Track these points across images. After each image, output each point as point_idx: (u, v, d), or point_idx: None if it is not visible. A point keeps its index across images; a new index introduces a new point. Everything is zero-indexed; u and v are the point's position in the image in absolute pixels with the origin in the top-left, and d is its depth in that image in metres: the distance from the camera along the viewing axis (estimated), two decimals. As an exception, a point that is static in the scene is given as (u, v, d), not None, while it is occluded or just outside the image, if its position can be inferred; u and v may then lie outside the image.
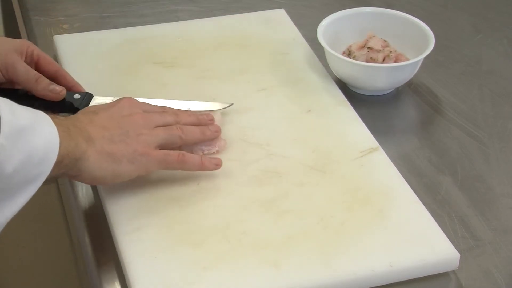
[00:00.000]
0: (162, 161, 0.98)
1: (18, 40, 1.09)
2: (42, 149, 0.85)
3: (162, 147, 0.99)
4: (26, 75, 1.06)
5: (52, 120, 0.89)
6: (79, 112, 1.01)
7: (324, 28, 1.20)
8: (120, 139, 0.96)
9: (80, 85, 1.11)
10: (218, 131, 1.05)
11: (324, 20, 1.21)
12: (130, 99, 1.03)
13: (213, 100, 1.13)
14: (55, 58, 1.24)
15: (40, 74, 1.08)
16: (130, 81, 1.16)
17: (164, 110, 1.05)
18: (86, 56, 1.23)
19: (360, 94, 1.20)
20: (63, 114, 1.08)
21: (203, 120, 1.06)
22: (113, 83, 1.14)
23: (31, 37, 1.31)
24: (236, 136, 1.08)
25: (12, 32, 2.15)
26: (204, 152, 1.04)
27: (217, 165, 1.01)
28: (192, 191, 1.00)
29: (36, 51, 1.10)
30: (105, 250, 0.96)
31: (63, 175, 0.93)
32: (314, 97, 1.16)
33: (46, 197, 1.90)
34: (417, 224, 0.96)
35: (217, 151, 1.05)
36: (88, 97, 1.10)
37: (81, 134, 0.93)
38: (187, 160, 0.99)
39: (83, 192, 1.04)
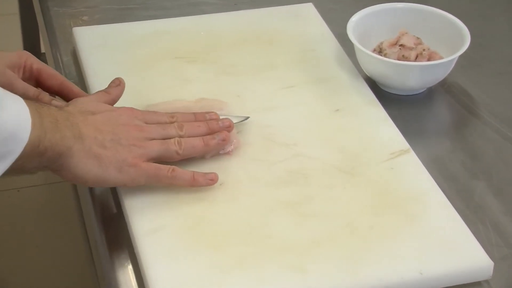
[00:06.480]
0: (152, 175, 0.96)
1: (14, 53, 1.07)
2: (9, 125, 0.85)
3: (156, 161, 0.98)
4: (25, 93, 1.03)
5: (40, 107, 0.90)
6: (76, 108, 0.99)
7: (354, 23, 1.19)
8: (111, 145, 0.95)
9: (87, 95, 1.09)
10: (225, 139, 1.03)
11: (354, 15, 1.20)
12: (132, 109, 1.02)
13: (237, 97, 1.13)
14: (74, 50, 1.24)
15: (40, 90, 1.06)
16: (150, 76, 1.16)
17: (172, 119, 1.02)
18: (106, 49, 1.22)
19: (391, 93, 1.19)
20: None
21: (215, 128, 1.03)
22: (133, 78, 1.13)
23: (49, 29, 1.31)
24: (261, 135, 1.08)
25: (29, 23, 2.18)
26: (220, 152, 1.03)
27: (212, 180, 0.99)
28: (214, 192, 0.99)
29: (36, 64, 1.07)
30: (123, 251, 0.95)
31: (45, 168, 0.93)
32: (343, 95, 1.15)
33: (63, 196, 1.95)
34: (449, 230, 0.95)
35: (232, 150, 1.04)
36: None
37: (71, 129, 0.93)
38: (177, 176, 0.97)
39: (101, 191, 1.03)
